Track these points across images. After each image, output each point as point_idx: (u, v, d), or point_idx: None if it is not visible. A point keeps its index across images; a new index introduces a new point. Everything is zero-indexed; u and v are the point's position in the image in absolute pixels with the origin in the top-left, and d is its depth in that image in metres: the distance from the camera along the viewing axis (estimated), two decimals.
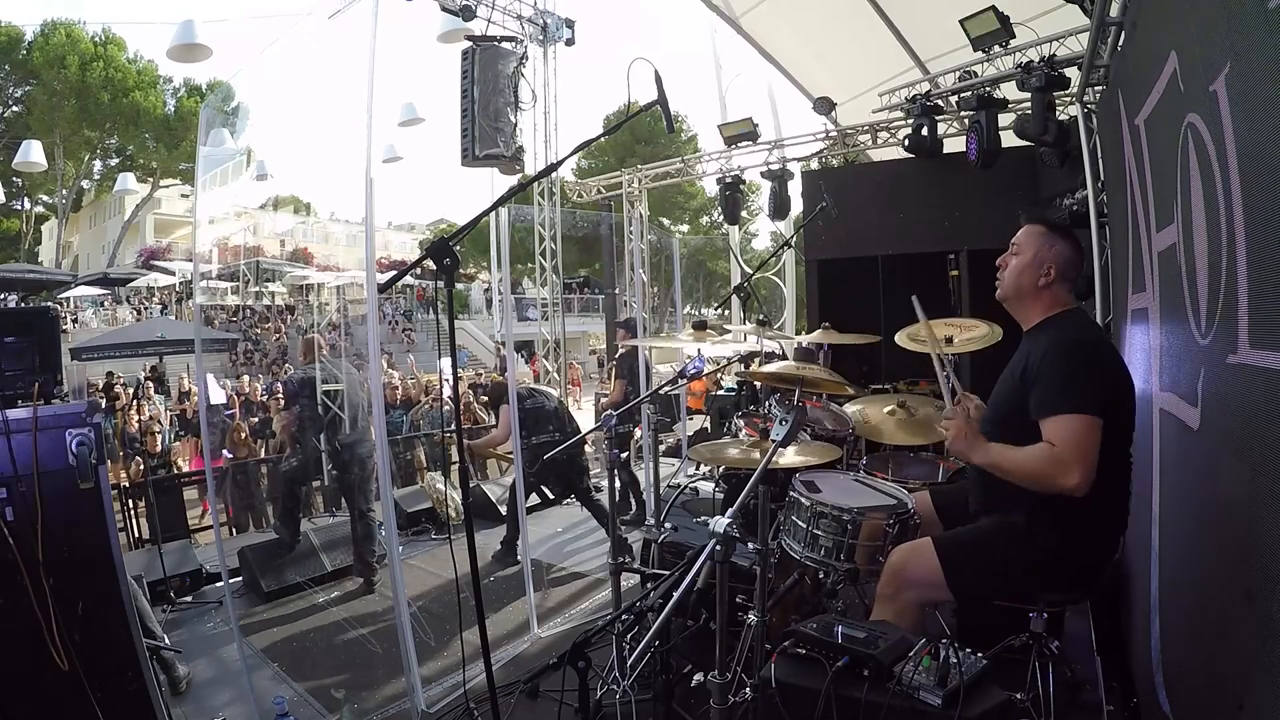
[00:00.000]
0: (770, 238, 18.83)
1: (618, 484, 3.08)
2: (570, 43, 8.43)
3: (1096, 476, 1.82)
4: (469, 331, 22.25)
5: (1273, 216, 1.26)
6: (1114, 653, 2.67)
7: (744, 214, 11.39)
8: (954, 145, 6.24)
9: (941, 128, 6.21)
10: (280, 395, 5.24)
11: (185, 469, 7.08)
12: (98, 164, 29.47)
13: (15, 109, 26.66)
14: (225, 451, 7.53)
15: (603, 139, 5.67)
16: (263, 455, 7.28)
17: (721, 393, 9.24)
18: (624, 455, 3.02)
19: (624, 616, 2.26)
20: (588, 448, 7.45)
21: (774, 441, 1.90)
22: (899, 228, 6.23)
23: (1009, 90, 5.49)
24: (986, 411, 2.22)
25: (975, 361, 5.41)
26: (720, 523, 1.50)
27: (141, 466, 6.46)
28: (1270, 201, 1.26)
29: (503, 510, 5.76)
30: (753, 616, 2.20)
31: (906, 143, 6.28)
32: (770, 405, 3.22)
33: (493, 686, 2.21)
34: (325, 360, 5.07)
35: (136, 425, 8.00)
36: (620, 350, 6.39)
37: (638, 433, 6.63)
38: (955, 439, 2.03)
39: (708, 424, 9.63)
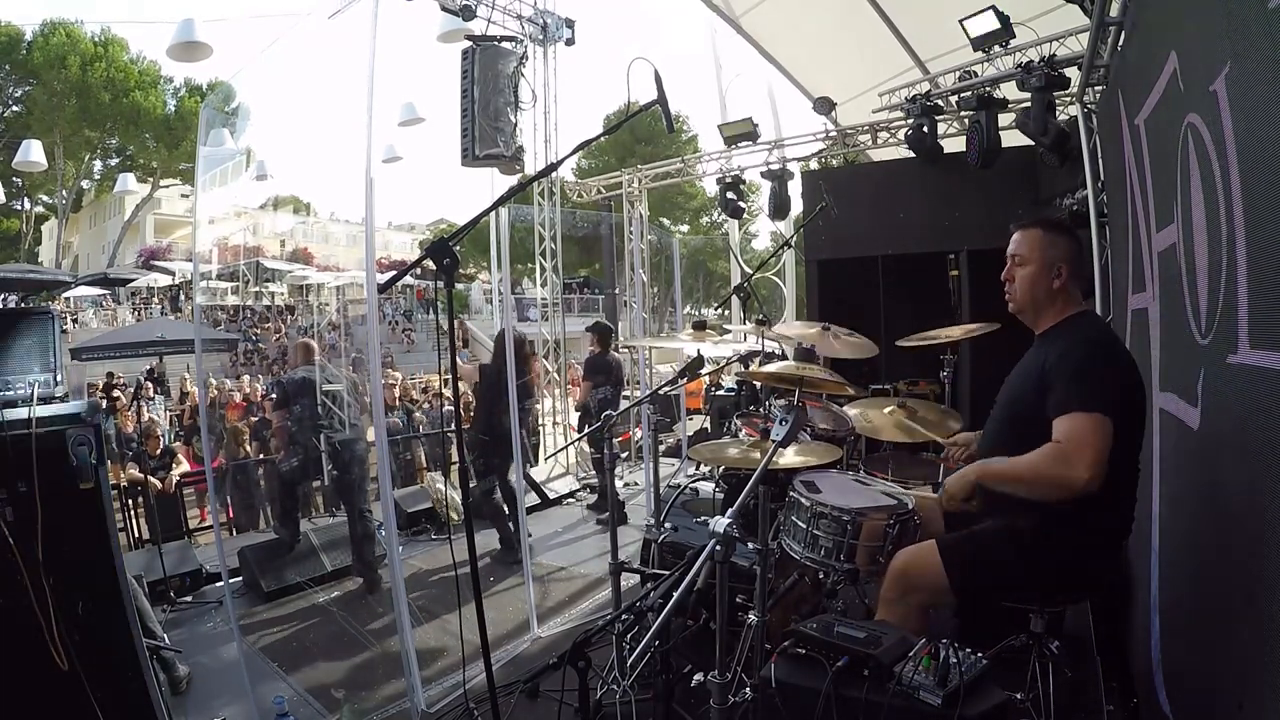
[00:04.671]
0: (770, 238, 18.81)
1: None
2: (570, 43, 8.39)
3: (1106, 482, 1.80)
4: (470, 331, 22.14)
5: (1273, 216, 1.26)
6: (1114, 653, 2.67)
7: (744, 215, 11.41)
8: (954, 145, 6.24)
9: (941, 128, 6.21)
10: (273, 395, 5.24)
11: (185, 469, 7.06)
12: (98, 164, 29.42)
13: (15, 109, 26.62)
14: (222, 451, 7.53)
15: (603, 139, 5.67)
16: (260, 456, 7.26)
17: (721, 393, 9.24)
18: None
19: (624, 616, 2.25)
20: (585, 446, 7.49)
21: (774, 441, 1.89)
22: (899, 228, 6.24)
23: (1009, 90, 5.48)
24: (995, 411, 2.20)
25: (975, 362, 5.41)
26: (720, 523, 1.49)
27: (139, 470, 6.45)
28: (1270, 201, 1.27)
29: (504, 509, 5.75)
30: (753, 616, 2.20)
31: (906, 141, 6.28)
32: (770, 405, 3.22)
33: (493, 686, 2.21)
34: (322, 363, 5.07)
35: (134, 427, 7.99)
36: (590, 353, 6.76)
37: (637, 433, 6.63)
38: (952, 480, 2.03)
39: (708, 424, 9.63)
